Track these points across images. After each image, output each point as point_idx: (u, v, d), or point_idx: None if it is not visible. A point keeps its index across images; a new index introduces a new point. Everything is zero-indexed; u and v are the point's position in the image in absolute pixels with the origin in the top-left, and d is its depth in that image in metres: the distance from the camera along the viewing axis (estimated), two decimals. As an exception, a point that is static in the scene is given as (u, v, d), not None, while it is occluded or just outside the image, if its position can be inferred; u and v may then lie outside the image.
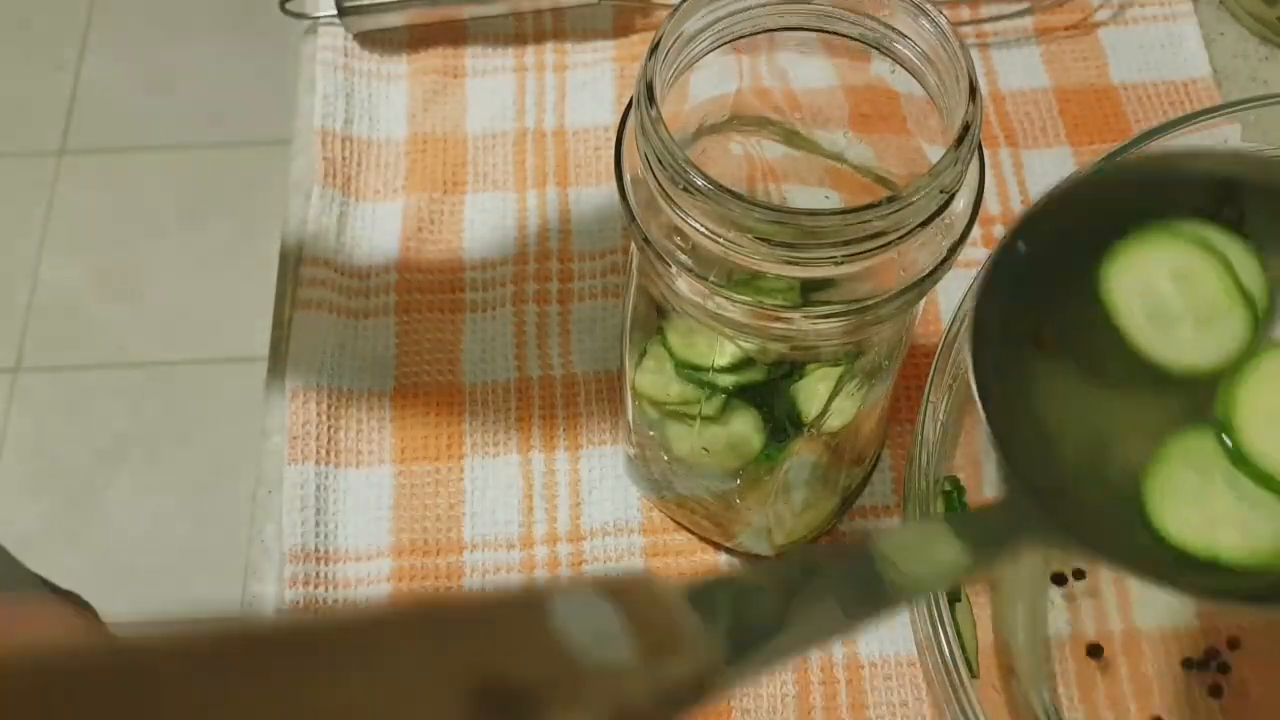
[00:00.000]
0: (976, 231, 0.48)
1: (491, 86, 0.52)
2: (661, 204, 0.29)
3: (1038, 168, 0.50)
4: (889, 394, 0.39)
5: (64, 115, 1.47)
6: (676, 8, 0.30)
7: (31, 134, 1.46)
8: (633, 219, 0.30)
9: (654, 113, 0.28)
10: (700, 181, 0.27)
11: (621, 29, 0.54)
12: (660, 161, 0.28)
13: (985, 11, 0.53)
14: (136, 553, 1.20)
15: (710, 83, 0.34)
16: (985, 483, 0.41)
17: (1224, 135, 0.42)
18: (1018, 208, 0.49)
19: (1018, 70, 0.52)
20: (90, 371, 1.32)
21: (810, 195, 0.37)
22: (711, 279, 0.30)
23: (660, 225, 0.30)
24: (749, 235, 0.28)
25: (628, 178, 0.30)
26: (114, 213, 1.41)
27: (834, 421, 0.34)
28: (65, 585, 0.65)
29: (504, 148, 0.51)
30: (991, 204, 0.49)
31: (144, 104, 1.48)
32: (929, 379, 0.35)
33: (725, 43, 0.32)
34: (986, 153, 0.41)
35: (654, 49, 0.29)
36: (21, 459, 1.27)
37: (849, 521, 0.43)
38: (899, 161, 0.36)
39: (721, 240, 0.28)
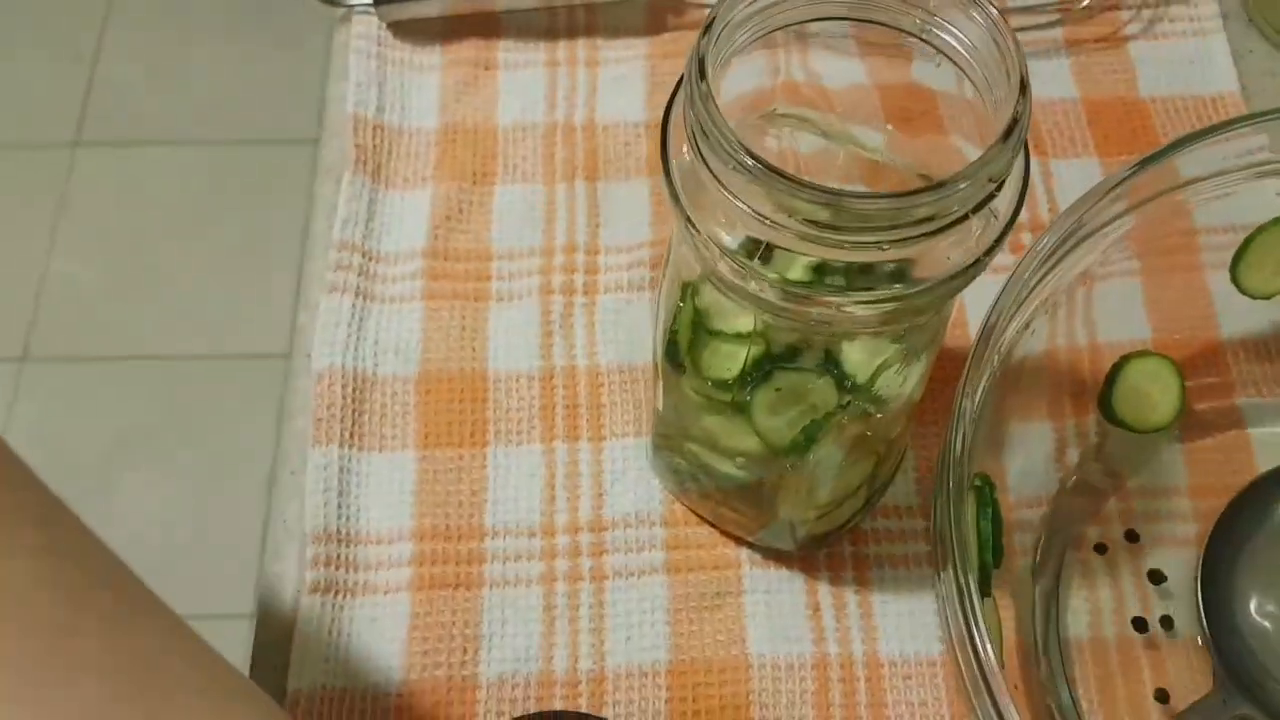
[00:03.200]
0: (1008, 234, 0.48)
1: (523, 79, 0.53)
2: (707, 184, 0.29)
3: (1066, 177, 0.50)
4: (920, 390, 0.39)
5: (79, 108, 1.48)
6: (727, -9, 0.30)
7: (46, 126, 1.46)
8: (676, 200, 0.30)
9: (704, 88, 0.28)
10: (749, 161, 0.27)
11: (654, 27, 0.54)
12: (709, 139, 0.28)
13: (1015, 22, 0.54)
14: (143, 547, 1.19)
15: (747, 77, 0.34)
16: (1011, 482, 0.41)
17: (1251, 146, 0.42)
18: (1046, 215, 0.49)
19: (1047, 81, 0.52)
20: (97, 364, 1.32)
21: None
22: (755, 262, 0.30)
23: (704, 206, 0.30)
24: (795, 217, 0.28)
25: (672, 157, 0.30)
26: (126, 206, 1.41)
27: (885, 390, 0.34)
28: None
29: (534, 140, 0.51)
30: (1018, 211, 0.49)
31: (159, 98, 1.48)
32: (964, 373, 0.35)
33: (770, 31, 0.32)
34: (1020, 156, 0.41)
35: (707, 28, 0.29)
36: (28, 450, 1.27)
37: (872, 520, 0.43)
38: (935, 160, 0.36)
39: (767, 222, 0.28)
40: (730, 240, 0.30)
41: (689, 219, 0.30)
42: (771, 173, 0.27)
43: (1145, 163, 0.40)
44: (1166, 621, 0.40)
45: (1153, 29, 0.53)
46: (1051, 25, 0.53)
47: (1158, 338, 0.46)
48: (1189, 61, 0.53)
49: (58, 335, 1.33)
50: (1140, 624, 0.40)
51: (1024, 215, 0.49)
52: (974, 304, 0.47)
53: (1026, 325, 0.39)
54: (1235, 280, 0.42)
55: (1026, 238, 0.49)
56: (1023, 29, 0.53)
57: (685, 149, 0.30)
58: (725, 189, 0.28)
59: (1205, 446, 0.44)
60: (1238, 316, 0.45)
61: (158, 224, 1.40)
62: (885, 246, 0.28)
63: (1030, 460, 0.43)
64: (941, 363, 0.45)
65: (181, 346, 1.32)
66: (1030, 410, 0.44)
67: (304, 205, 0.48)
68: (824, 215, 0.28)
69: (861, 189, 0.36)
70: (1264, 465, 0.44)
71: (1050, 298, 0.41)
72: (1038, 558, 0.42)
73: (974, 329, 0.41)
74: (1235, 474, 0.43)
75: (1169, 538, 0.42)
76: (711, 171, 0.29)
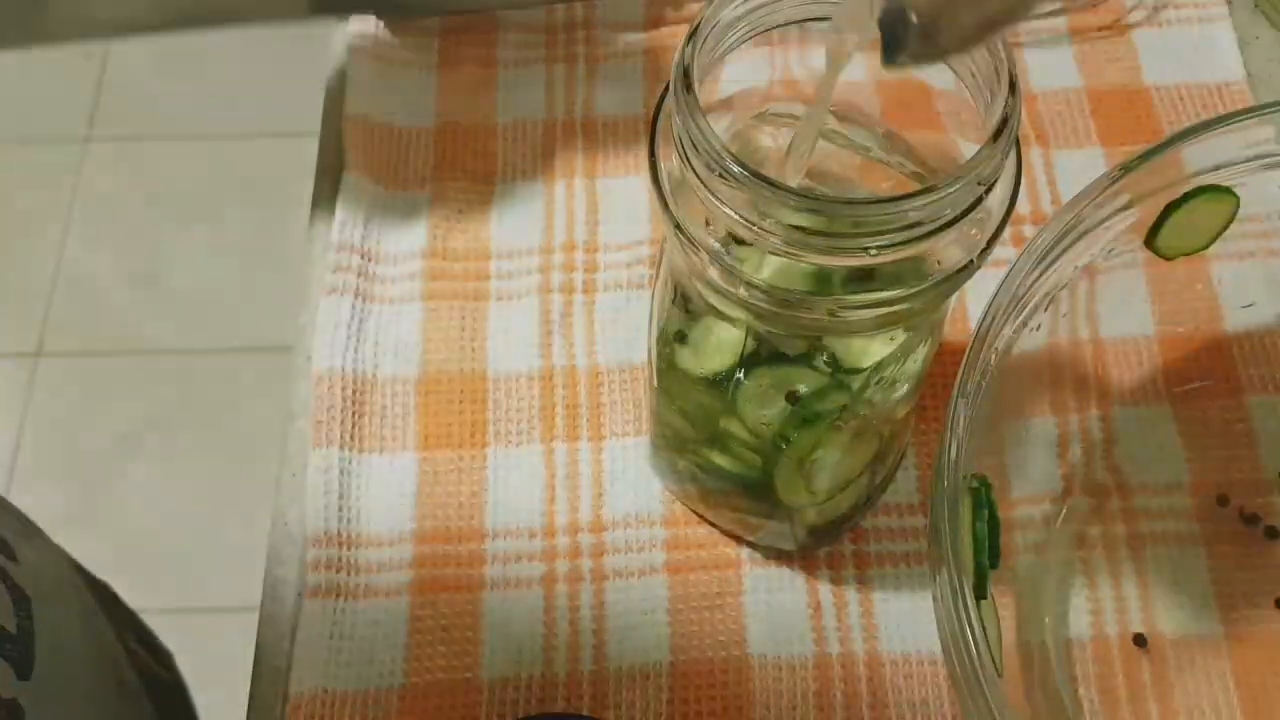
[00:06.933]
0: (1006, 230, 0.48)
1: (521, 76, 0.52)
2: (695, 190, 0.29)
3: (1068, 167, 0.49)
4: (918, 389, 0.38)
5: (91, 101, 1.48)
6: (714, -6, 0.29)
7: (58, 119, 1.47)
8: (665, 205, 0.30)
9: (690, 98, 0.28)
10: (735, 168, 0.27)
11: (653, 22, 0.53)
12: (695, 147, 0.28)
13: (1018, 11, 0.53)
14: (155, 538, 1.21)
15: (741, 75, 0.33)
16: (1013, 480, 0.41)
17: (1256, 138, 0.42)
18: (1048, 208, 0.49)
19: (1050, 70, 0.52)
20: (111, 358, 1.33)
21: (841, 190, 0.37)
22: (743, 268, 0.30)
23: (693, 212, 0.30)
24: (783, 224, 0.28)
25: (661, 163, 0.30)
26: (138, 200, 1.42)
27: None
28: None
29: (533, 138, 0.51)
30: (1021, 204, 0.49)
31: (171, 92, 1.48)
32: (959, 373, 0.35)
33: (760, 32, 0.32)
34: (1019, 150, 0.41)
35: (692, 34, 0.29)
36: (41, 444, 1.28)
37: (873, 518, 0.43)
38: (932, 158, 0.36)
39: (755, 228, 0.28)
40: (719, 245, 0.30)
41: (678, 225, 0.30)
42: (758, 179, 0.27)
43: (1147, 156, 0.40)
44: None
45: (1157, 16, 0.53)
46: (1055, 14, 0.53)
47: (1162, 331, 0.46)
48: (1193, 49, 0.52)
49: (71, 330, 1.34)
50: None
51: (1026, 208, 0.49)
52: (977, 296, 0.47)
53: (1025, 323, 0.39)
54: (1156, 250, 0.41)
55: (1029, 230, 0.48)
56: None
57: (673, 156, 0.30)
58: (713, 195, 0.28)
59: (1210, 444, 0.43)
60: (1243, 311, 0.45)
61: (171, 218, 1.41)
62: (874, 251, 0.28)
63: (1032, 458, 0.43)
64: (945, 356, 0.45)
65: (194, 340, 1.33)
66: (1032, 407, 0.43)
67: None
68: (811, 221, 0.27)
69: (854, 190, 0.35)
70: (1269, 461, 0.43)
71: (1051, 293, 0.41)
72: (1039, 556, 0.41)
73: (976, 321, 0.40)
74: (1240, 470, 0.43)
75: (1172, 535, 0.42)
76: (699, 179, 0.28)
